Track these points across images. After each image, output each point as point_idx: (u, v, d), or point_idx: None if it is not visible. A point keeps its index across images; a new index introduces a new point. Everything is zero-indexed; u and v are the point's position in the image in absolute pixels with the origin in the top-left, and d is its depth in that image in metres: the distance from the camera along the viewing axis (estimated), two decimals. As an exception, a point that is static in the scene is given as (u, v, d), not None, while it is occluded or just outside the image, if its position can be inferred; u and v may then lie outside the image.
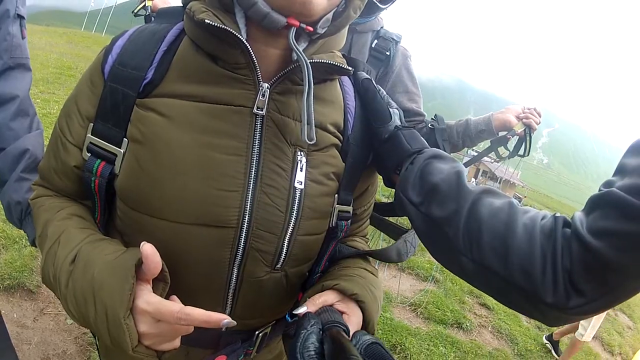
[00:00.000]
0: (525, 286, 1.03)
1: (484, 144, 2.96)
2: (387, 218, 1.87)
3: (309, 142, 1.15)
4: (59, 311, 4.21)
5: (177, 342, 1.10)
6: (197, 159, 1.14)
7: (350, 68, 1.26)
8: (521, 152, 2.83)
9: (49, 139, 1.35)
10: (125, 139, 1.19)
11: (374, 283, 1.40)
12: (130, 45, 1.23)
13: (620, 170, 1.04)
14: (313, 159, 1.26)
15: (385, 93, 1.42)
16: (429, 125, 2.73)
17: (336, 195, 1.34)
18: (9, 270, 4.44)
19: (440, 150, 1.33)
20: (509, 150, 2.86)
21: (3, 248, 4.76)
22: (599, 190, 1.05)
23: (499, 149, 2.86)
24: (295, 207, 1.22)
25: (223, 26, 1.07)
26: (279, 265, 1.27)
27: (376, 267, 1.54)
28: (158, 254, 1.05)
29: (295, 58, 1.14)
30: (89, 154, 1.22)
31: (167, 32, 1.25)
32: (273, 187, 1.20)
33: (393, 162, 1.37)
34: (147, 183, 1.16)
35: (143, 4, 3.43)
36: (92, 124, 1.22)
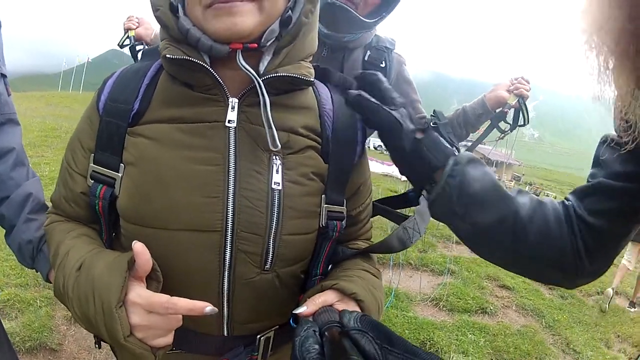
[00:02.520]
0: (562, 264, 1.31)
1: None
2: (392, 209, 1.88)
3: (272, 149, 1.27)
4: (82, 366, 4.21)
5: (169, 338, 1.19)
6: (181, 172, 1.27)
7: (311, 79, 1.36)
8: (521, 122, 2.86)
9: (59, 173, 1.51)
10: (121, 164, 1.33)
11: (375, 284, 1.45)
12: (118, 84, 1.40)
13: (598, 163, 1.34)
14: (288, 162, 1.34)
15: (386, 85, 1.46)
16: (432, 123, 2.71)
17: (323, 195, 1.40)
18: (28, 332, 4.48)
19: (465, 154, 1.40)
20: (509, 124, 2.89)
21: (19, 312, 4.82)
22: (587, 181, 1.36)
23: (499, 124, 2.90)
24: (275, 208, 1.29)
25: (183, 57, 1.22)
26: (268, 266, 1.33)
27: (391, 271, 1.55)
28: (148, 251, 1.16)
29: (262, 73, 1.28)
30: (92, 181, 1.37)
31: (148, 69, 1.41)
32: (251, 190, 1.28)
33: (420, 177, 1.43)
34: (141, 198, 1.29)
35: (127, 34, 3.56)
36: (92, 155, 1.37)
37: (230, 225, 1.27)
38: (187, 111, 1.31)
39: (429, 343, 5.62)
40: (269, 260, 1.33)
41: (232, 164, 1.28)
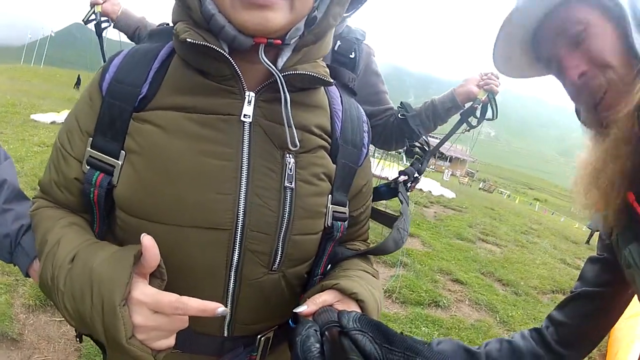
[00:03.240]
0: None
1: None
2: (377, 208, 1.97)
3: (292, 148, 1.23)
4: (45, 356, 4.21)
5: (172, 340, 1.12)
6: (191, 165, 1.22)
7: (332, 80, 1.32)
8: (489, 115, 2.93)
9: (50, 154, 1.42)
10: (122, 151, 1.26)
11: (374, 284, 1.45)
12: (125, 64, 1.32)
13: (580, 278, 1.77)
14: (301, 161, 1.32)
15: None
16: (399, 115, 2.82)
17: (329, 195, 1.40)
18: (-13, 322, 4.39)
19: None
20: (477, 118, 2.95)
21: (-22, 299, 4.69)
22: (570, 292, 1.79)
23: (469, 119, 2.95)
24: (287, 207, 1.28)
25: (204, 43, 1.16)
26: (275, 266, 1.32)
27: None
28: (157, 246, 1.08)
29: (280, 69, 1.24)
30: (88, 167, 1.29)
31: (159, 51, 1.35)
32: (264, 188, 1.26)
33: None
34: (145, 190, 1.23)
35: (92, 10, 3.41)
36: (91, 138, 1.30)
37: (240, 224, 1.24)
38: (199, 100, 1.26)
39: (381, 335, 5.63)
40: (277, 260, 1.32)
41: (245, 161, 1.25)
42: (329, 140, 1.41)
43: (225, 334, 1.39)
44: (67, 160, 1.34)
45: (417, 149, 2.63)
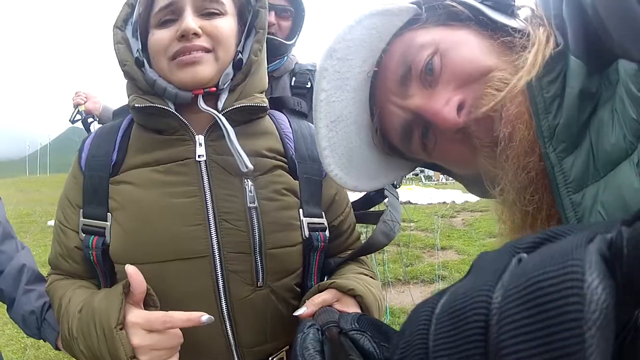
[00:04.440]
0: None
1: None
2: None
3: (244, 170, 1.36)
4: None
5: (174, 359, 1.27)
6: (163, 207, 1.39)
7: (265, 105, 1.53)
8: None
9: (53, 232, 1.59)
10: (108, 213, 1.44)
11: (372, 283, 1.51)
12: (96, 141, 1.54)
13: None
14: (259, 182, 1.46)
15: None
16: None
17: (300, 210, 1.51)
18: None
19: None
20: None
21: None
22: None
23: None
24: (255, 224, 1.40)
25: (150, 104, 1.40)
26: (260, 282, 1.42)
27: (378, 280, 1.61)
28: (140, 273, 1.25)
29: (221, 109, 1.45)
30: (84, 235, 1.46)
31: (121, 124, 1.57)
32: (230, 212, 1.40)
33: None
34: (129, 238, 1.39)
35: (77, 109, 3.67)
36: (81, 210, 1.48)
37: (216, 248, 1.37)
38: (159, 154, 1.44)
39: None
40: (260, 276, 1.41)
41: (208, 193, 1.40)
42: (284, 159, 1.55)
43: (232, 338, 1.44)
44: (66, 233, 1.51)
45: None
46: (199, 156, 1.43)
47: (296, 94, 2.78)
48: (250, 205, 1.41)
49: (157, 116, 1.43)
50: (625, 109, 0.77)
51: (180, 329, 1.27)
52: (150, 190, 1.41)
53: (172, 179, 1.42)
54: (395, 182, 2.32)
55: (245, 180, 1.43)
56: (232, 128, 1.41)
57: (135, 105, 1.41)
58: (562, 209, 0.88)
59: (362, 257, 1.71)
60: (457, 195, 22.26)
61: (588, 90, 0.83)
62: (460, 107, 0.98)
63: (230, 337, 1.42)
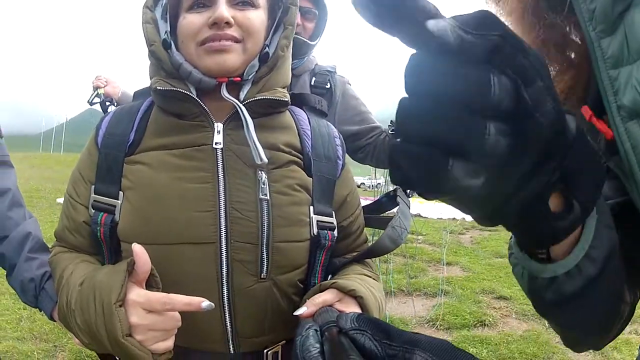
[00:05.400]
0: None
1: None
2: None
3: (259, 163, 1.36)
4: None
5: (170, 342, 1.26)
6: (175, 191, 1.40)
7: (287, 100, 1.52)
8: None
9: (62, 206, 1.60)
10: (120, 192, 1.45)
11: (374, 285, 1.52)
12: (114, 119, 1.55)
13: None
14: (273, 175, 1.46)
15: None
16: (390, 131, 2.93)
17: (311, 206, 1.51)
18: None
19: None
20: None
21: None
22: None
23: None
24: (265, 217, 1.40)
25: (172, 88, 1.41)
26: (264, 274, 1.41)
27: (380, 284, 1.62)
28: (146, 252, 1.24)
29: (242, 100, 1.46)
30: (93, 210, 1.47)
31: (141, 105, 1.57)
32: (241, 202, 1.40)
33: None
34: (139, 217, 1.41)
35: (96, 92, 3.71)
36: (93, 186, 1.49)
37: (224, 236, 1.38)
38: (177, 138, 1.45)
39: (430, 363, 5.53)
40: (265, 268, 1.40)
41: (221, 181, 1.41)
42: (300, 155, 1.56)
43: (232, 350, 1.45)
44: (76, 207, 1.53)
45: None
46: (216, 143, 1.44)
47: (315, 93, 2.73)
48: (262, 197, 1.41)
49: (178, 100, 1.44)
50: None
51: (180, 312, 1.28)
52: (164, 173, 1.42)
53: (187, 163, 1.43)
54: (408, 191, 2.31)
55: (260, 172, 1.43)
56: (251, 119, 1.42)
57: (158, 87, 1.42)
58: (600, 81, 0.95)
59: (367, 260, 1.71)
60: (468, 212, 22.28)
61: None
62: None
63: (228, 325, 1.42)
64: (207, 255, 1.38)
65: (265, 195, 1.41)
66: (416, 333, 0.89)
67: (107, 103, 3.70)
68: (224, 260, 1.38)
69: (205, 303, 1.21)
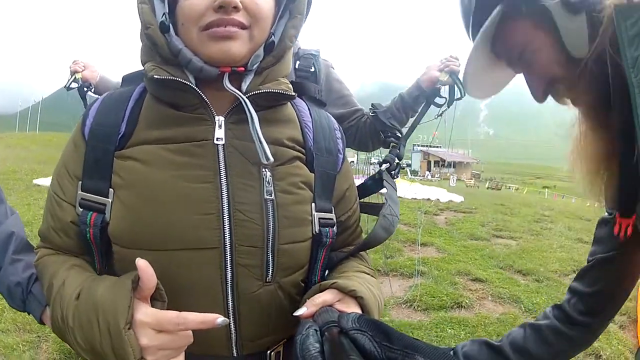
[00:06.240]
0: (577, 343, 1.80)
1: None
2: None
3: (265, 162, 1.29)
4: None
5: (181, 358, 1.19)
6: (174, 191, 1.29)
7: (293, 94, 1.44)
8: (457, 95, 2.95)
9: (45, 203, 1.49)
10: (110, 189, 1.34)
11: (373, 283, 1.49)
12: (103, 108, 1.42)
13: (596, 242, 1.75)
14: (278, 173, 1.38)
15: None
16: (371, 113, 2.95)
17: (312, 203, 1.45)
18: (19, 379, 4.50)
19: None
20: (445, 98, 2.99)
21: (4, 357, 4.83)
22: (588, 261, 1.78)
23: (435, 101, 3.00)
24: (271, 218, 1.33)
25: (170, 77, 1.28)
26: (269, 278, 1.36)
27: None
28: (151, 267, 1.14)
29: (244, 92, 1.35)
30: (81, 209, 1.35)
31: (132, 92, 1.45)
32: (245, 203, 1.32)
33: None
34: (134, 221, 1.30)
35: (73, 76, 3.66)
36: (80, 182, 1.38)
37: (228, 241, 1.30)
38: (174, 131, 1.35)
39: (409, 344, 5.60)
40: (270, 272, 1.35)
41: (224, 180, 1.32)
42: (303, 150, 1.48)
43: (235, 354, 1.41)
44: (61, 205, 1.40)
45: (392, 138, 2.76)
46: (217, 139, 1.34)
47: (299, 77, 2.82)
48: (267, 197, 1.34)
49: (176, 90, 1.32)
50: None
51: (182, 309, 1.21)
52: (161, 171, 1.31)
53: (186, 160, 1.32)
54: (393, 172, 2.39)
55: (264, 169, 1.35)
56: (256, 114, 1.31)
57: (155, 76, 1.28)
58: (637, 124, 1.12)
59: (362, 253, 1.70)
60: (442, 193, 22.38)
61: None
62: (544, 94, 1.47)
63: (232, 330, 1.37)
64: (210, 260, 1.30)
65: (270, 195, 1.34)
66: (416, 339, 0.95)
67: (85, 89, 3.63)
68: (229, 265, 1.31)
69: (220, 319, 1.13)
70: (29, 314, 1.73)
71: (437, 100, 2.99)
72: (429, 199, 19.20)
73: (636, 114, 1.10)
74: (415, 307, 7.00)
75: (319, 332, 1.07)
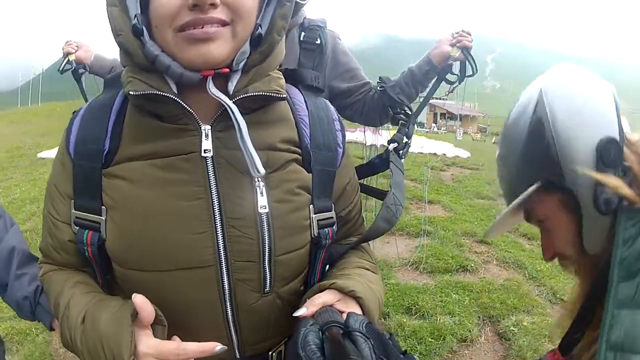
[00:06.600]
0: None
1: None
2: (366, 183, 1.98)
3: (255, 175, 1.22)
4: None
5: None
6: (164, 210, 1.25)
7: (284, 95, 1.31)
8: (469, 72, 2.94)
9: (42, 221, 1.47)
10: (103, 207, 1.30)
11: (373, 280, 1.47)
12: (85, 122, 1.35)
13: None
14: (271, 180, 1.31)
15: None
16: (379, 88, 2.87)
17: (310, 206, 1.39)
18: (32, 363, 4.61)
19: None
20: (457, 74, 2.97)
21: (19, 344, 4.96)
22: None
23: (447, 77, 2.97)
24: (266, 231, 1.28)
25: (146, 91, 1.18)
26: (267, 289, 1.34)
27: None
28: (149, 302, 1.18)
29: (232, 94, 1.24)
30: (77, 228, 1.33)
31: (113, 102, 1.36)
32: (239, 218, 1.27)
33: None
34: (127, 242, 1.28)
35: (67, 58, 3.61)
36: (72, 201, 1.34)
37: (223, 258, 1.27)
38: (159, 145, 1.27)
39: (414, 308, 5.67)
40: (268, 283, 1.34)
41: (214, 195, 1.26)
42: (299, 150, 1.40)
43: (238, 357, 1.43)
44: (57, 225, 1.39)
45: (401, 115, 2.69)
46: (204, 151, 1.25)
47: (305, 49, 2.77)
48: (261, 210, 1.28)
49: (156, 101, 1.22)
50: None
51: (182, 324, 1.29)
52: (149, 190, 1.26)
53: (174, 176, 1.26)
54: (401, 152, 2.34)
55: (257, 180, 1.28)
56: (244, 122, 1.22)
57: (130, 92, 1.19)
58: (606, 314, 1.16)
59: (364, 245, 1.66)
60: (449, 148, 22.27)
61: None
62: (551, 257, 1.50)
63: (234, 338, 1.38)
64: (206, 278, 1.28)
65: (264, 206, 1.28)
66: (409, 354, 0.99)
67: (81, 71, 3.59)
68: (225, 281, 1.29)
69: (218, 347, 1.19)
70: (38, 322, 1.86)
71: (449, 77, 2.94)
72: (435, 154, 19.13)
73: (607, 301, 1.17)
74: (421, 270, 7.02)
75: (319, 332, 1.07)
